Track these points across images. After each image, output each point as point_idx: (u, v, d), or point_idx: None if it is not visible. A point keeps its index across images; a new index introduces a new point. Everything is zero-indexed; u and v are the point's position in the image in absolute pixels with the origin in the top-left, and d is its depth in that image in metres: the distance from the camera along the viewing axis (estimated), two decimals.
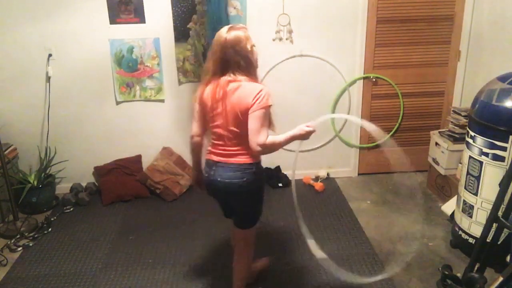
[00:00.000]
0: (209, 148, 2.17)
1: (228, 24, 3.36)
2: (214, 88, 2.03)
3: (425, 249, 2.91)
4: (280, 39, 3.57)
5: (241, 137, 2.03)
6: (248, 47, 2.02)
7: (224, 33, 2.01)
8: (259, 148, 1.96)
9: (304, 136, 2.08)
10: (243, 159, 2.06)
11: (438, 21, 3.63)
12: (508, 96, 2.39)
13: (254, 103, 1.95)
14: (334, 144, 3.94)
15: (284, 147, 3.99)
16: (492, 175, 2.50)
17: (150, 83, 3.59)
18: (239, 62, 2.00)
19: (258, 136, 1.95)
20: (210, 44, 3.31)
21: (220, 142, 2.09)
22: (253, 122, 1.96)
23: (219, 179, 2.07)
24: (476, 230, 2.62)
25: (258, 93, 1.96)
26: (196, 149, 2.21)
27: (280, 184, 3.80)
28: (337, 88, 3.76)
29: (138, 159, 3.78)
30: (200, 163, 2.25)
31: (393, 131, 3.91)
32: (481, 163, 2.55)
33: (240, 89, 1.98)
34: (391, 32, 3.64)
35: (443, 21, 3.64)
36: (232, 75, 2.00)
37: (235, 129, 2.03)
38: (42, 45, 3.40)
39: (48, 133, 3.59)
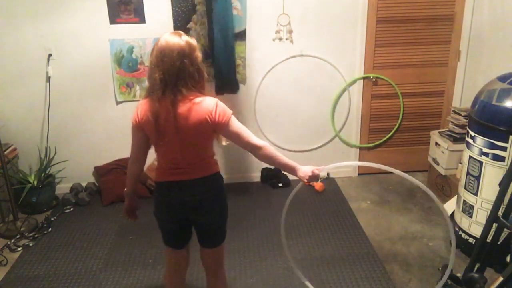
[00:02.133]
0: (160, 170, 1.92)
1: (233, 24, 3.39)
2: (161, 109, 1.74)
3: (425, 249, 2.91)
4: (280, 39, 3.57)
5: (199, 151, 1.87)
6: (200, 56, 1.80)
7: (176, 39, 1.75)
8: (261, 143, 1.81)
9: (304, 178, 1.84)
10: (208, 171, 1.90)
11: (438, 21, 3.63)
12: (508, 96, 2.39)
13: (218, 119, 1.76)
14: (334, 144, 3.94)
15: (284, 147, 3.95)
16: (492, 175, 2.50)
17: None
18: (193, 74, 1.76)
19: (252, 136, 1.83)
20: (215, 44, 3.35)
21: (172, 164, 1.87)
22: (235, 130, 1.80)
23: (186, 198, 1.88)
24: (476, 230, 2.62)
25: (212, 109, 1.76)
26: (135, 175, 1.97)
27: (280, 184, 3.81)
28: (337, 88, 3.76)
29: None
30: (136, 190, 2.07)
31: (393, 131, 3.91)
32: (481, 163, 2.55)
33: (195, 109, 1.74)
34: (391, 32, 3.64)
35: (443, 21, 3.64)
36: (183, 90, 1.74)
37: (192, 148, 1.84)
38: (42, 45, 3.40)
39: (48, 133, 3.59)
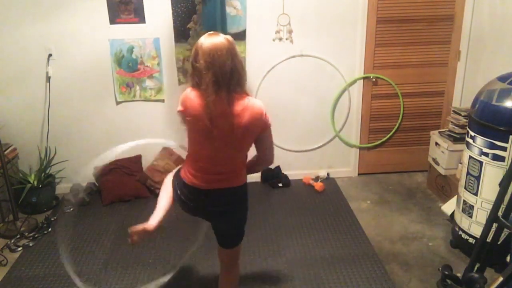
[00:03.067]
0: (191, 170, 1.85)
1: (224, 25, 3.39)
2: (214, 107, 1.71)
3: (425, 249, 2.91)
4: (280, 39, 3.57)
5: (236, 159, 1.87)
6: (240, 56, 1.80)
7: (219, 38, 1.73)
8: (272, 162, 1.95)
9: None
10: (238, 182, 1.90)
11: (438, 21, 3.63)
12: (508, 96, 2.39)
13: (266, 121, 1.83)
14: (334, 144, 3.94)
15: (284, 147, 3.97)
16: (492, 175, 2.50)
17: (150, 83, 3.59)
18: (241, 72, 1.76)
19: (273, 151, 1.92)
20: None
21: (208, 165, 1.84)
22: (269, 138, 1.88)
23: (210, 208, 1.89)
24: (476, 230, 2.62)
25: (264, 111, 1.82)
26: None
27: (280, 184, 3.80)
28: (337, 88, 3.76)
29: (138, 159, 3.77)
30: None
31: (393, 131, 3.91)
32: (481, 163, 2.55)
33: (250, 108, 1.76)
34: (391, 32, 3.64)
35: (443, 21, 3.64)
36: (237, 88, 1.75)
37: (236, 152, 1.84)
38: (42, 45, 3.40)
39: (48, 133, 3.58)
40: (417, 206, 3.47)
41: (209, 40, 1.73)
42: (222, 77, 1.70)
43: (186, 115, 1.79)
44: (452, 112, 3.47)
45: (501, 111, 2.41)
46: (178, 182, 1.95)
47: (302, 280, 2.61)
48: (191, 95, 1.77)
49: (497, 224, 2.29)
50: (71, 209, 3.50)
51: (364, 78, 3.75)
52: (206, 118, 1.72)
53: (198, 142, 1.83)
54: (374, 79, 3.75)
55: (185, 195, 1.91)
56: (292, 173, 3.90)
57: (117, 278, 2.68)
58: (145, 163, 3.77)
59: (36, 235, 3.14)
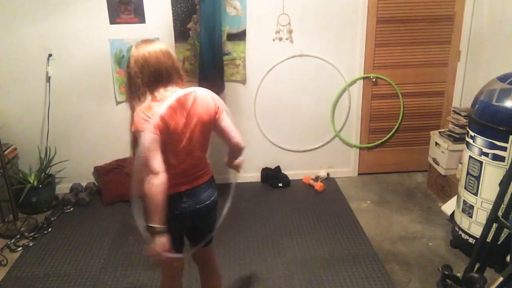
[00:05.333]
0: (171, 181, 1.71)
1: (221, 25, 3.38)
2: (175, 106, 1.72)
3: (425, 249, 2.91)
4: (280, 39, 3.57)
5: (205, 151, 1.89)
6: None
7: (154, 46, 1.77)
8: (243, 143, 1.90)
9: None
10: (209, 173, 1.94)
11: (438, 21, 3.63)
12: (508, 96, 2.39)
13: (218, 105, 1.84)
14: (334, 144, 3.94)
15: (284, 147, 3.97)
16: (492, 175, 2.50)
17: None
18: (178, 70, 1.79)
19: (237, 132, 1.88)
20: (201, 44, 3.33)
21: (186, 167, 1.82)
22: (228, 121, 1.86)
23: (204, 203, 1.88)
24: (476, 230, 2.62)
25: (211, 95, 1.83)
26: (163, 190, 1.66)
27: (280, 184, 3.80)
28: (337, 88, 3.76)
29: None
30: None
31: (393, 131, 3.91)
32: (481, 163, 2.55)
33: (199, 97, 1.79)
34: (391, 32, 3.64)
35: (443, 21, 3.64)
36: (178, 85, 1.77)
37: (203, 144, 1.86)
38: (42, 45, 3.40)
39: (48, 133, 3.58)
40: (417, 206, 3.47)
41: (156, 44, 1.80)
42: (159, 76, 1.76)
43: (161, 127, 1.69)
44: (452, 112, 3.47)
45: (501, 111, 2.41)
46: (173, 202, 1.78)
47: (302, 280, 2.61)
48: (154, 110, 1.69)
49: (497, 224, 2.29)
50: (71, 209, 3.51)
51: (364, 78, 3.75)
52: (176, 118, 1.75)
53: (172, 150, 1.77)
54: (374, 79, 3.75)
55: (173, 206, 1.77)
56: (292, 173, 3.90)
57: (117, 278, 2.68)
58: None
59: (36, 235, 3.14)
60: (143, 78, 1.72)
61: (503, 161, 2.44)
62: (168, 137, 1.72)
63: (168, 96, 1.71)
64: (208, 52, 3.33)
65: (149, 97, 1.72)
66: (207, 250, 2.09)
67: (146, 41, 1.81)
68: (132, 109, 1.75)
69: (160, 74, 1.74)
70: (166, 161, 1.70)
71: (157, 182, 1.64)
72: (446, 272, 2.36)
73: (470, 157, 2.63)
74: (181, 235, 1.99)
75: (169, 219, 1.71)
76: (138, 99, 1.73)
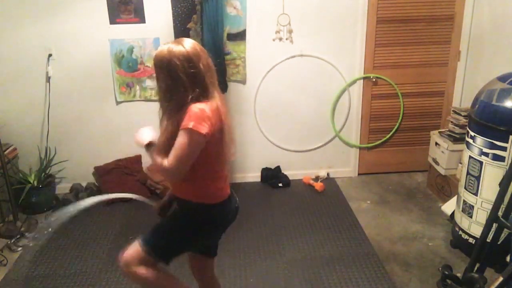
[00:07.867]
0: (221, 184, 1.80)
1: (223, 25, 3.38)
2: (220, 109, 1.69)
3: (425, 249, 2.91)
4: (280, 39, 3.57)
5: None
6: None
7: (194, 44, 1.68)
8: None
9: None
10: None
11: (438, 21, 3.63)
12: (508, 96, 2.39)
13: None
14: (334, 144, 3.94)
15: (284, 147, 4.00)
16: (492, 175, 2.50)
17: (150, 83, 3.59)
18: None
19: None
20: (204, 45, 3.34)
21: (224, 171, 1.84)
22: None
23: (237, 205, 1.97)
24: (476, 230, 2.62)
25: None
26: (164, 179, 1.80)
27: (280, 184, 3.80)
28: (337, 88, 3.76)
29: (138, 159, 3.77)
30: None
31: (393, 131, 3.91)
32: (481, 163, 2.55)
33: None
34: (391, 32, 3.64)
35: (443, 21, 3.64)
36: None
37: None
38: (42, 45, 3.41)
39: (48, 133, 3.59)
40: (417, 206, 3.47)
41: (187, 44, 1.66)
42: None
43: (212, 133, 1.63)
44: (452, 112, 3.47)
45: (501, 111, 2.41)
46: (226, 205, 1.85)
47: (302, 280, 2.61)
48: (206, 108, 1.62)
49: (497, 224, 2.29)
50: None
51: (364, 78, 3.75)
52: (223, 122, 1.70)
53: (219, 153, 1.74)
54: (374, 79, 3.75)
55: (228, 206, 1.85)
56: (292, 173, 3.90)
57: (117, 278, 2.68)
58: (145, 163, 3.77)
59: (36, 235, 3.14)
60: (196, 75, 1.62)
61: (503, 161, 2.44)
62: (218, 141, 1.69)
63: (216, 97, 1.67)
64: (210, 53, 3.33)
65: (206, 96, 1.65)
66: (211, 261, 2.12)
67: (180, 39, 1.69)
68: (171, 110, 1.64)
69: (211, 70, 1.69)
70: (212, 169, 1.72)
71: (169, 173, 1.60)
72: (446, 272, 2.36)
73: (470, 157, 2.63)
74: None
75: (220, 224, 1.83)
76: (186, 98, 1.60)
